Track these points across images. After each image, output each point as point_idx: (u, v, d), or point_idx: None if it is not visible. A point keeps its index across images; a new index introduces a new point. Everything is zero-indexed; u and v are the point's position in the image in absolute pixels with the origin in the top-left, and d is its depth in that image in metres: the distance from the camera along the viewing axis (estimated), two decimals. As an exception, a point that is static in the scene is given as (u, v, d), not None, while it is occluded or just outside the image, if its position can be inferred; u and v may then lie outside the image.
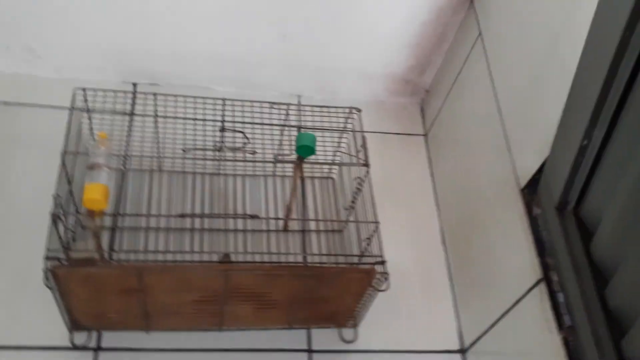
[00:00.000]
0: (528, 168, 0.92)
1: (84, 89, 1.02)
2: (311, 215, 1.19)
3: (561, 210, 0.84)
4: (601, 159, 0.76)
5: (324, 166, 1.22)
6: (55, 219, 0.87)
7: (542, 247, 0.88)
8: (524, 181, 0.93)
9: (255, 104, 1.10)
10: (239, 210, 1.15)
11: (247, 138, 1.12)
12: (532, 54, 0.95)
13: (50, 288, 0.86)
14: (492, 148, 1.04)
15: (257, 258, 1.10)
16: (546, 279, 0.86)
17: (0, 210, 1.10)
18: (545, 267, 0.87)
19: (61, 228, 0.90)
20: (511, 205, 0.96)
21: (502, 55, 1.06)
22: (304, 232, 1.16)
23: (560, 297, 0.83)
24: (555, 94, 0.87)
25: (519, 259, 0.93)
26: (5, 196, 1.12)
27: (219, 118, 1.09)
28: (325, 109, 1.11)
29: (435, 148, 1.33)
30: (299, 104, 1.10)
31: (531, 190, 0.92)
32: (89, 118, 1.06)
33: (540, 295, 0.86)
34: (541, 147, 0.89)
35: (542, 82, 0.92)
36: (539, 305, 0.86)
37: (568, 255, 0.81)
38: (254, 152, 1.07)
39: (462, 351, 1.10)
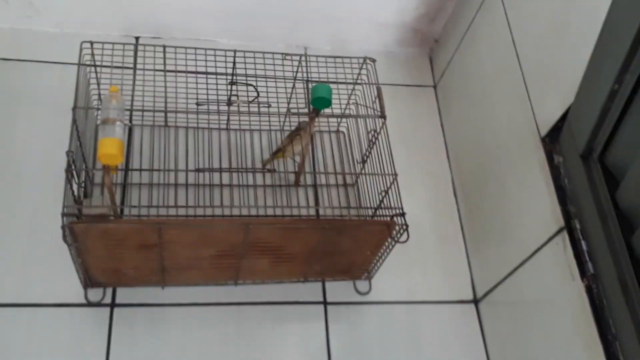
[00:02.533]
0: (549, 116, 0.90)
1: (91, 43, 0.98)
2: (323, 169, 1.17)
3: (586, 158, 0.82)
4: (631, 105, 0.74)
5: (333, 119, 1.20)
6: (69, 175, 0.84)
7: (563, 196, 0.87)
8: (544, 129, 0.91)
9: (266, 55, 1.07)
10: (250, 165, 1.13)
11: (257, 91, 1.09)
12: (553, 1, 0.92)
13: (68, 244, 0.84)
14: (510, 97, 1.02)
15: (274, 212, 1.09)
16: (568, 227, 0.85)
17: (8, 167, 1.07)
18: (567, 216, 0.86)
19: (74, 185, 0.88)
20: (530, 154, 0.94)
21: (520, 1, 1.02)
22: (315, 186, 1.14)
23: (583, 245, 0.82)
24: (579, 39, 0.84)
25: (538, 208, 0.92)
26: (13, 154, 1.09)
27: (227, 71, 1.05)
28: (339, 60, 1.08)
29: (445, 99, 1.30)
30: (306, 55, 1.07)
31: (552, 139, 0.90)
32: (96, 72, 1.02)
33: (562, 244, 0.85)
34: (563, 95, 0.87)
35: (565, 27, 0.89)
36: (560, 254, 0.86)
37: (593, 203, 0.80)
38: (268, 105, 1.04)
39: (476, 301, 1.11)
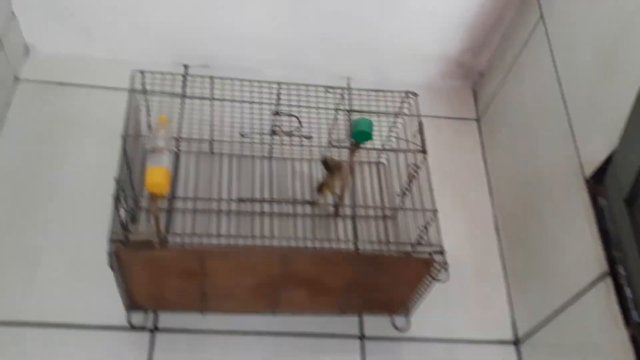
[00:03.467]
0: (594, 157, 0.90)
1: (142, 72, 1.02)
2: (362, 200, 1.18)
3: (630, 203, 0.81)
4: (679, 151, 0.73)
5: (374, 151, 1.20)
6: (117, 201, 0.88)
7: (607, 239, 0.86)
8: (589, 170, 0.91)
9: (310, 88, 1.09)
10: (291, 194, 1.15)
11: (299, 122, 1.11)
12: (601, 36, 0.92)
13: (112, 269, 0.87)
14: (554, 134, 1.01)
15: (313, 244, 1.10)
16: (612, 272, 0.84)
17: (59, 191, 1.12)
18: (611, 260, 0.84)
19: (122, 211, 0.91)
20: (574, 195, 0.93)
21: (566, 38, 1.02)
22: (354, 218, 1.15)
23: (628, 292, 0.81)
24: (626, 77, 0.84)
25: (581, 250, 0.90)
26: (63, 176, 1.13)
27: (271, 101, 1.08)
28: (381, 93, 1.09)
29: (489, 133, 1.30)
30: (349, 88, 1.08)
31: (597, 180, 0.89)
32: (146, 100, 1.06)
33: (606, 289, 0.84)
34: (609, 135, 0.86)
35: (612, 67, 0.88)
36: (604, 299, 0.84)
37: (637, 250, 0.78)
38: (309, 137, 1.06)
39: (516, 342, 1.09)
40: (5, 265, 1.03)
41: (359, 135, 0.97)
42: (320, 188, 1.12)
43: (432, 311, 1.08)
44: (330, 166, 1.08)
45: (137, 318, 1.02)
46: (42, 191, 1.11)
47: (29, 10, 1.21)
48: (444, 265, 0.91)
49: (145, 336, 1.01)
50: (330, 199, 1.13)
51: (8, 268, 1.03)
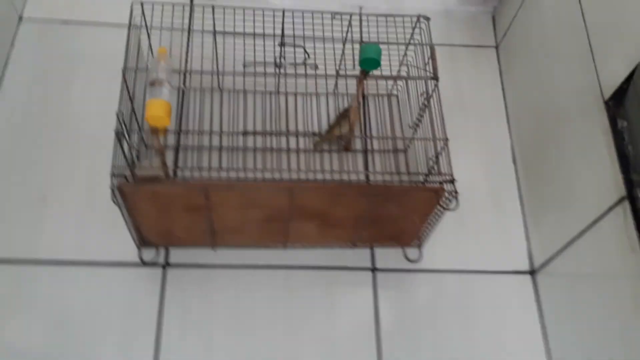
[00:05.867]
0: (614, 78, 0.85)
1: (141, 3, 1.00)
2: (374, 134, 1.15)
3: (652, 122, 0.77)
4: None
5: (387, 83, 1.18)
6: (119, 137, 0.87)
7: (626, 163, 0.83)
8: (608, 92, 0.87)
9: (315, 15, 1.06)
10: (300, 129, 1.13)
11: (307, 53, 1.08)
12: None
13: (117, 205, 0.87)
14: (574, 57, 0.97)
15: (321, 177, 1.09)
16: (630, 196, 0.81)
17: (65, 129, 1.12)
18: (630, 184, 0.81)
19: (125, 146, 0.91)
20: (593, 119, 0.89)
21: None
22: (366, 151, 1.13)
23: (646, 216, 0.78)
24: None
25: (599, 176, 0.88)
26: (70, 115, 1.13)
27: (278, 32, 1.05)
28: (390, 19, 1.05)
29: (507, 60, 1.25)
30: (359, 14, 1.04)
31: (617, 102, 0.86)
32: (148, 34, 1.04)
33: (624, 214, 0.81)
34: (630, 55, 0.82)
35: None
36: (620, 225, 0.82)
37: (658, 172, 0.75)
38: (316, 67, 1.03)
39: (532, 272, 1.08)
40: (15, 204, 1.05)
41: (367, 62, 0.94)
42: (325, 134, 1.09)
43: (445, 243, 1.07)
44: (347, 110, 1.06)
45: (149, 254, 1.03)
46: (49, 130, 1.11)
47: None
48: (454, 193, 0.89)
49: (157, 272, 1.03)
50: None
51: (18, 207, 1.05)
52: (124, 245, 1.01)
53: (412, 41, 1.06)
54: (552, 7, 1.06)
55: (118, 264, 1.02)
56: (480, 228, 1.11)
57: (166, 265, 1.03)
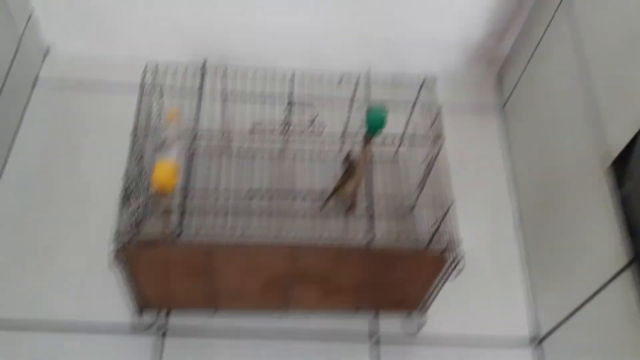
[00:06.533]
0: (618, 141, 0.85)
1: (156, 65, 1.01)
2: (377, 197, 1.15)
3: (657, 187, 0.77)
4: None
5: (391, 147, 1.18)
6: (124, 199, 0.88)
7: (633, 228, 0.81)
8: (613, 155, 0.86)
9: (324, 77, 1.07)
10: (304, 190, 1.13)
11: (315, 112, 1.09)
12: (628, 15, 0.87)
13: (118, 269, 0.87)
14: (578, 121, 0.97)
15: (325, 240, 1.08)
16: (637, 261, 0.79)
17: (73, 188, 1.13)
18: (637, 249, 0.80)
19: (131, 208, 0.91)
20: (598, 183, 0.89)
21: (591, 17, 0.97)
22: (370, 214, 1.12)
23: (654, 283, 0.76)
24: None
25: (605, 242, 0.86)
26: (79, 175, 1.15)
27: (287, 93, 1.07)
28: (398, 82, 1.06)
29: (512, 122, 1.26)
30: (367, 75, 1.06)
31: (621, 166, 0.85)
32: (160, 95, 1.06)
33: (632, 280, 0.79)
34: (635, 118, 0.82)
35: (639, 46, 0.83)
36: (628, 292, 0.80)
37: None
38: (322, 128, 1.04)
39: (537, 341, 1.05)
40: (17, 262, 1.05)
41: (373, 122, 0.94)
42: (336, 190, 1.09)
43: (448, 309, 1.05)
44: (352, 166, 1.06)
45: (147, 320, 1.02)
46: (57, 190, 1.13)
47: (49, 8, 1.23)
48: (458, 260, 0.87)
49: (154, 339, 1.01)
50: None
51: (20, 265, 1.05)
52: (121, 310, 1.01)
53: (418, 101, 1.06)
54: (557, 69, 1.07)
55: (115, 329, 1.01)
56: (484, 295, 1.09)
57: (164, 332, 1.01)
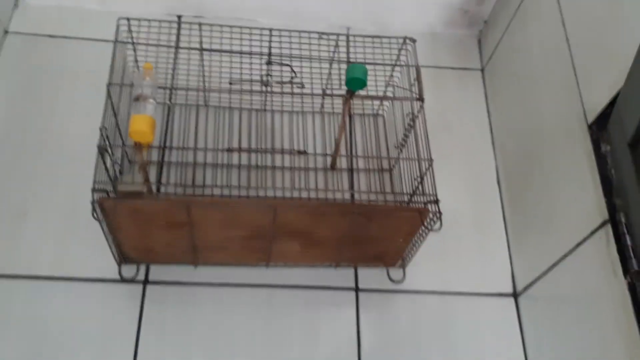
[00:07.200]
0: (597, 102, 0.86)
1: (127, 19, 0.99)
2: (360, 152, 1.15)
3: (634, 147, 0.78)
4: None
5: (374, 103, 1.19)
6: (102, 151, 0.86)
7: (609, 187, 0.83)
8: (592, 116, 0.87)
9: (303, 34, 1.06)
10: (286, 147, 1.13)
11: (294, 72, 1.08)
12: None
13: (98, 220, 0.86)
14: (558, 81, 0.97)
15: (305, 196, 1.08)
16: (612, 220, 0.81)
17: (49, 144, 1.11)
18: (612, 208, 0.82)
19: (108, 161, 0.90)
20: (576, 143, 0.90)
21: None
22: (352, 170, 1.13)
23: (628, 240, 0.78)
24: (633, 19, 0.79)
25: (582, 200, 0.88)
26: (53, 129, 1.12)
27: (266, 50, 1.05)
28: (376, 40, 1.06)
29: (493, 83, 1.26)
30: (347, 35, 1.05)
31: (600, 126, 0.86)
32: (134, 49, 1.04)
33: (606, 238, 0.81)
34: (614, 79, 0.83)
35: (618, 9, 0.84)
36: (603, 249, 0.82)
37: None
38: (302, 86, 1.04)
39: (515, 295, 1.07)
40: (-5, 218, 1.03)
41: (353, 82, 0.94)
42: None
43: (429, 264, 1.07)
44: None
45: (129, 271, 1.01)
46: (31, 144, 1.10)
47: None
48: (438, 214, 0.88)
49: (137, 288, 1.01)
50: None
51: (-2, 221, 1.03)
52: (104, 261, 1.00)
53: (398, 62, 1.06)
54: (537, 32, 1.08)
55: (97, 279, 1.01)
56: (463, 250, 1.10)
57: (146, 282, 1.02)
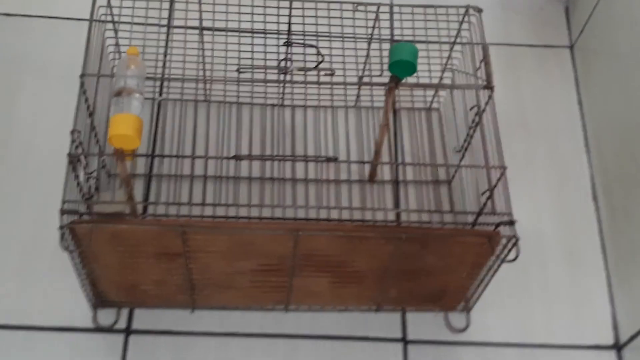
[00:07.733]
0: None
1: (108, -6, 1.02)
2: (408, 159, 1.16)
3: None
4: None
5: (426, 93, 1.20)
6: (73, 161, 0.88)
7: None
8: None
9: (332, 6, 1.07)
10: (311, 153, 1.14)
11: (321, 55, 1.10)
12: None
13: (67, 251, 0.88)
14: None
15: (336, 217, 1.09)
16: None
17: (7, 153, 1.14)
18: None
19: (82, 174, 0.91)
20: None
21: None
22: (397, 182, 1.14)
23: None
24: None
25: None
26: (12, 134, 1.15)
27: (284, 28, 1.07)
28: (429, 12, 1.07)
29: (585, 64, 1.27)
30: (392, 4, 1.06)
31: None
32: (115, 30, 1.06)
33: None
34: None
35: None
36: None
37: None
38: (331, 73, 1.04)
39: (618, 347, 1.07)
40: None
41: (399, 66, 0.94)
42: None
43: (502, 306, 1.07)
44: None
45: (107, 317, 1.03)
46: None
47: None
48: (514, 240, 0.88)
49: (116, 339, 1.02)
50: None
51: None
52: (75, 304, 1.02)
53: (458, 39, 1.06)
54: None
55: (66, 328, 1.02)
56: (548, 287, 1.11)
57: (129, 331, 1.03)
